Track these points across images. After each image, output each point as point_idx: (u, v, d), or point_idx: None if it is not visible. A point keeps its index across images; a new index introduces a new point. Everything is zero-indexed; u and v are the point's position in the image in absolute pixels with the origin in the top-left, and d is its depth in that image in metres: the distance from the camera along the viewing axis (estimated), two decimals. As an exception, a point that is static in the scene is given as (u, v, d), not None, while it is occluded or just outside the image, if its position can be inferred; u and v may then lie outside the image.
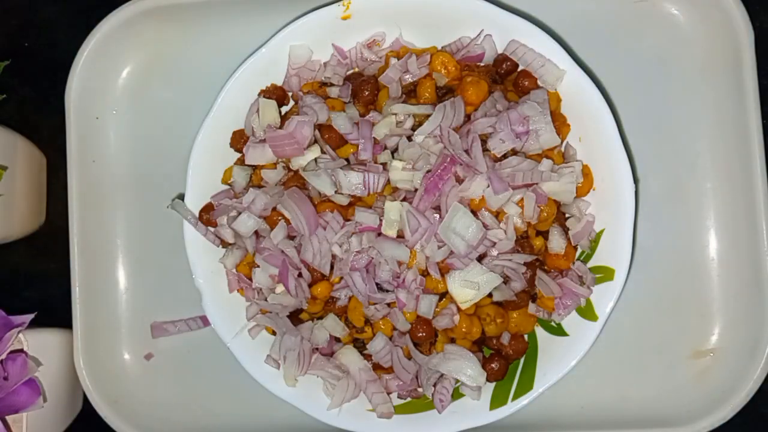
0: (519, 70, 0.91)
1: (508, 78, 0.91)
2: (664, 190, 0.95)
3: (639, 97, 0.96)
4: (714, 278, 0.94)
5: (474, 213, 0.85)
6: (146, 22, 0.98)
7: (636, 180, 0.89)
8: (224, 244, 0.93)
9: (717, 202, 0.94)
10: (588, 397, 0.95)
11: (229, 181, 0.94)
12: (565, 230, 0.90)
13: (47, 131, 1.04)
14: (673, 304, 0.95)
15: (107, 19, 0.97)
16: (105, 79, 1.00)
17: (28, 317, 0.91)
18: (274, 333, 0.93)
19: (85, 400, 0.99)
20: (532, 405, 0.89)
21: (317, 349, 0.91)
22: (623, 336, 0.95)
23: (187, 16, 0.98)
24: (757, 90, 0.91)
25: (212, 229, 0.93)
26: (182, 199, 0.94)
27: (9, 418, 0.89)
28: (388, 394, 0.90)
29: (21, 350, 0.91)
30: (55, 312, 0.98)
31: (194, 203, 0.93)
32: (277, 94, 0.93)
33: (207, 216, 0.92)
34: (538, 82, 0.90)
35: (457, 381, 0.89)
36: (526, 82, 0.90)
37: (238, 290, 0.94)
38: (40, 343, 0.93)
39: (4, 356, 0.89)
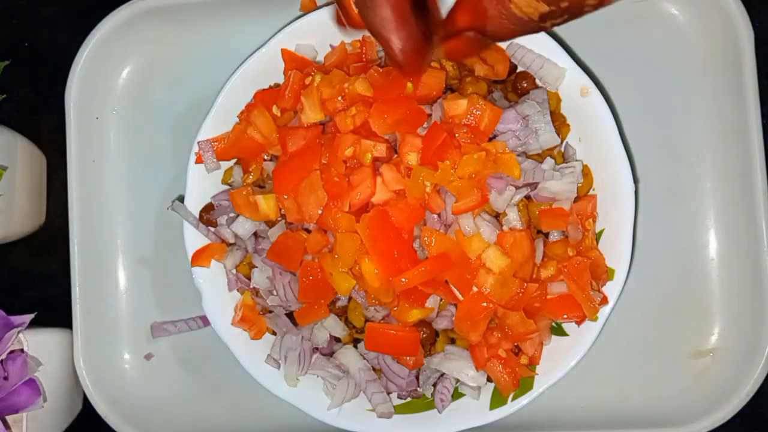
0: (517, 71, 0.91)
1: (508, 78, 0.91)
2: (664, 190, 0.95)
3: (639, 97, 0.96)
4: (714, 278, 0.94)
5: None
6: (146, 22, 0.98)
7: (636, 180, 0.89)
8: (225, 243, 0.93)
9: (717, 202, 0.94)
10: (588, 397, 0.95)
11: (229, 181, 0.94)
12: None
13: (47, 131, 1.03)
14: (673, 304, 0.95)
15: (107, 19, 0.97)
16: (105, 79, 0.99)
17: (28, 317, 0.91)
18: (274, 333, 0.93)
19: (85, 400, 0.99)
20: (532, 405, 0.89)
21: (317, 349, 0.91)
22: (623, 336, 0.95)
23: (187, 16, 0.98)
24: (757, 90, 0.91)
25: (213, 230, 0.93)
26: (182, 200, 0.94)
27: (9, 418, 0.89)
28: (388, 394, 0.90)
29: (21, 350, 0.91)
30: (55, 312, 0.98)
31: (194, 203, 0.93)
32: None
33: (207, 216, 0.92)
34: (539, 83, 0.90)
35: (457, 381, 0.89)
36: (525, 83, 0.89)
37: (237, 289, 0.94)
38: (40, 343, 0.93)
39: (4, 356, 0.89)
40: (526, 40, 0.89)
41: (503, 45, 0.90)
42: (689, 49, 0.95)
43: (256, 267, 0.91)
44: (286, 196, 0.86)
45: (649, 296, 0.95)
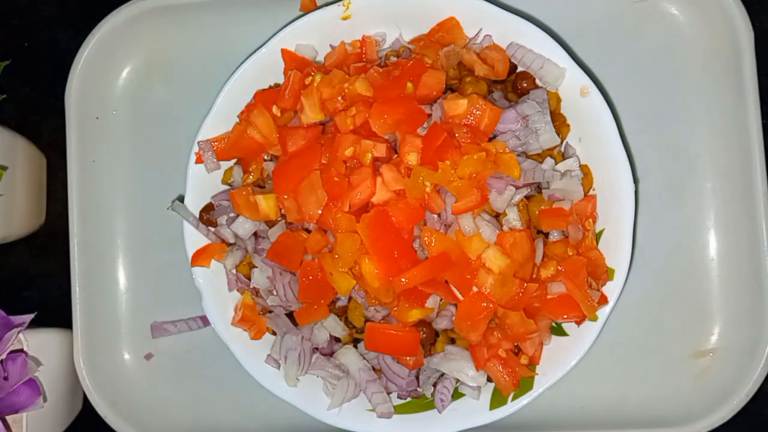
0: (517, 71, 0.91)
1: (508, 78, 0.91)
2: (664, 190, 0.95)
3: (639, 97, 0.96)
4: (714, 278, 0.94)
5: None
6: (146, 22, 0.98)
7: (636, 180, 0.89)
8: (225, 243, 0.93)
9: (717, 202, 0.94)
10: (588, 397, 0.95)
11: (229, 181, 0.94)
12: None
13: (47, 131, 1.04)
14: (673, 304, 0.95)
15: (107, 19, 0.97)
16: (105, 79, 1.00)
17: (28, 317, 0.91)
18: (274, 333, 0.93)
19: (85, 400, 0.99)
20: (532, 405, 0.89)
21: (317, 348, 0.91)
22: (623, 336, 0.95)
23: (187, 16, 0.98)
24: (757, 90, 0.91)
25: (213, 230, 0.93)
26: (182, 200, 0.94)
27: (9, 418, 0.89)
28: (388, 394, 0.90)
29: (21, 350, 0.91)
30: (55, 312, 0.98)
31: (194, 203, 0.93)
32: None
33: (207, 216, 0.92)
34: (539, 83, 0.90)
35: (457, 381, 0.89)
36: (525, 83, 0.89)
37: (237, 289, 0.94)
38: (40, 343, 0.93)
39: (4, 356, 0.89)
40: (526, 39, 0.89)
41: (503, 45, 0.90)
42: (689, 49, 0.95)
43: (256, 267, 0.91)
44: (286, 196, 0.86)
45: (649, 296, 0.95)
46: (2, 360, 0.89)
